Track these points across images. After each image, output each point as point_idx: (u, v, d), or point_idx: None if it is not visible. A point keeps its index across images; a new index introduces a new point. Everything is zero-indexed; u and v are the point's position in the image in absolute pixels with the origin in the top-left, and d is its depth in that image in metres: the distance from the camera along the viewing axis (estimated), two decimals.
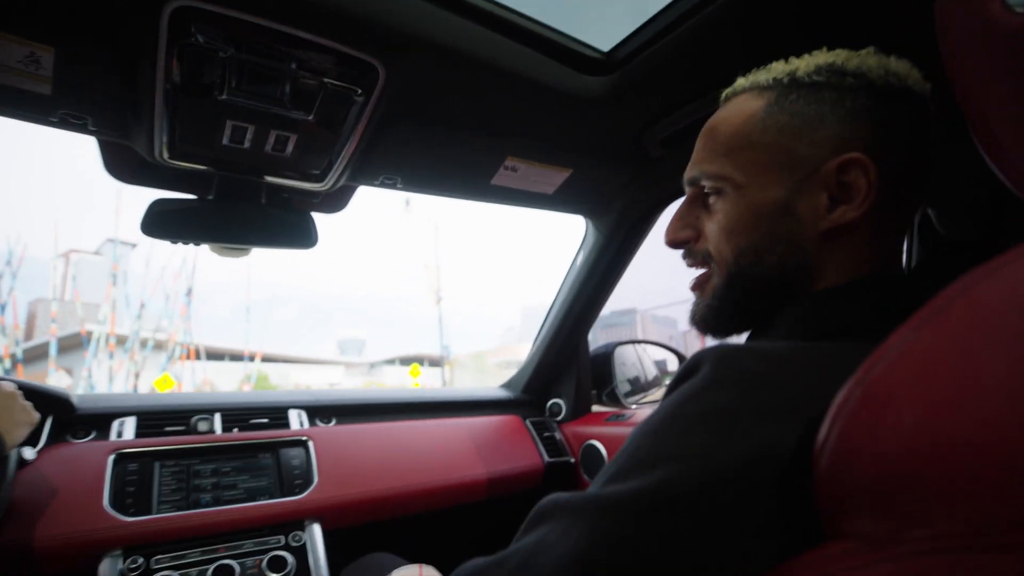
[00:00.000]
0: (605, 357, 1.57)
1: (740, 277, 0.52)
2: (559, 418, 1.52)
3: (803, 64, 0.51)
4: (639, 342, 1.66)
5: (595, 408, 1.57)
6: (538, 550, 0.37)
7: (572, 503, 0.38)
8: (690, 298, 0.60)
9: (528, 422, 1.45)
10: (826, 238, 0.49)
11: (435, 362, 58.09)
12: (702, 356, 0.42)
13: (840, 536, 0.32)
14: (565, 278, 1.43)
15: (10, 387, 0.78)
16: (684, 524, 0.34)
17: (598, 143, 1.03)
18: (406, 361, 57.19)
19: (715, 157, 0.53)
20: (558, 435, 1.45)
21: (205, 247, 1.00)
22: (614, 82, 0.87)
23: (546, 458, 1.35)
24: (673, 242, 0.58)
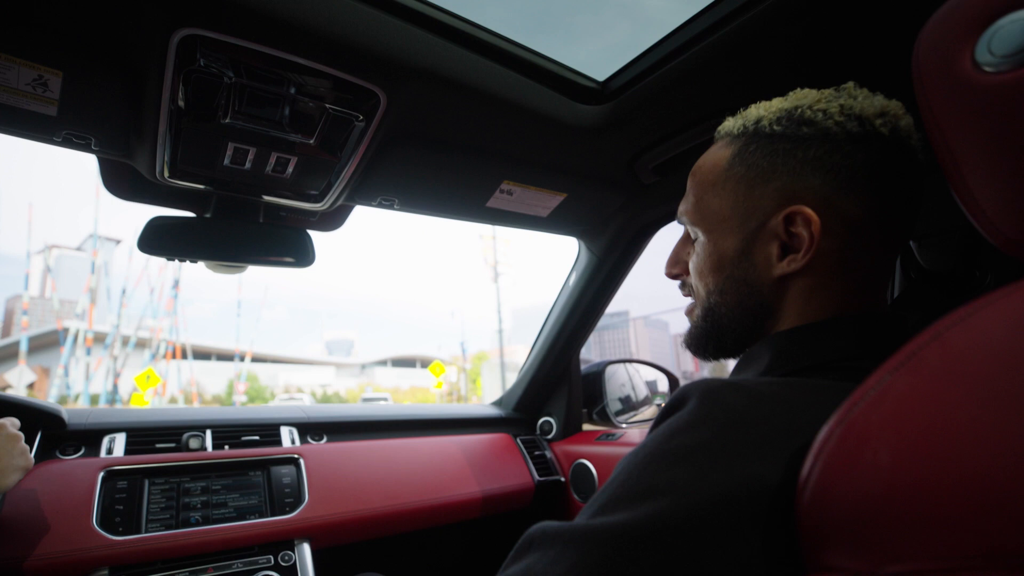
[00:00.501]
0: (596, 376, 1.58)
1: (711, 312, 0.57)
2: (550, 436, 1.52)
3: (770, 112, 0.53)
4: (630, 361, 1.67)
5: (586, 427, 1.58)
6: None
7: (561, 533, 0.39)
8: (681, 305, 0.67)
9: (519, 440, 1.45)
10: (781, 283, 0.52)
11: (428, 363, 56.96)
12: (688, 391, 0.43)
13: (820, 570, 0.33)
14: (557, 298, 1.44)
15: (12, 429, 0.77)
16: (670, 558, 0.35)
17: (592, 169, 1.05)
18: (398, 362, 56.12)
19: (691, 202, 0.59)
20: (548, 454, 1.46)
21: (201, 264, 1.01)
22: (608, 111, 0.90)
23: (536, 477, 1.36)
24: (668, 276, 0.65)
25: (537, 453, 1.44)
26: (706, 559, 0.35)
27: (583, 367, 1.59)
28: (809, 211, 0.48)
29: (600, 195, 1.14)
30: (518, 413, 1.57)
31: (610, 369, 1.61)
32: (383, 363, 58.01)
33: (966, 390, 0.29)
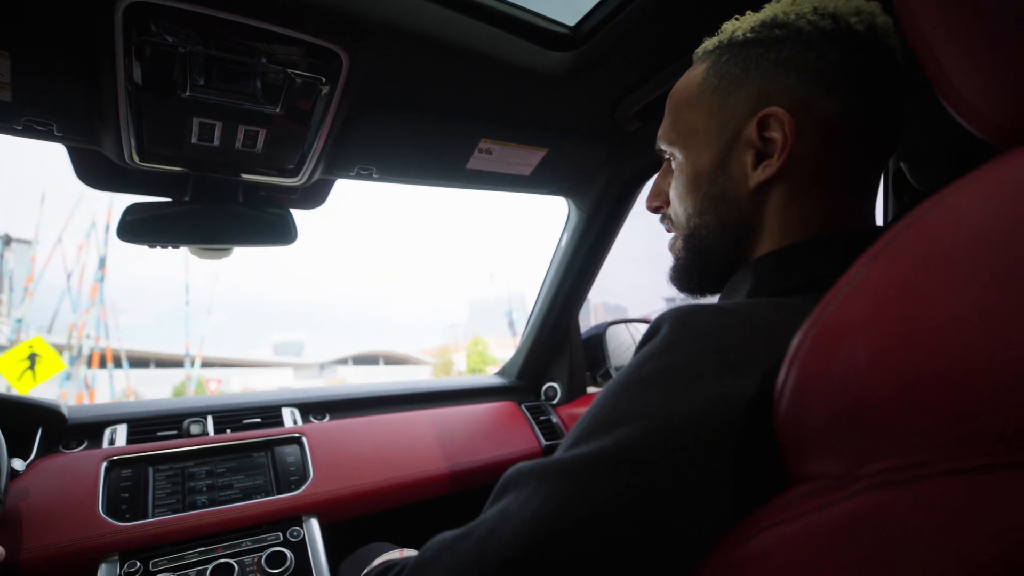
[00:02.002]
0: (598, 338, 1.57)
1: (692, 238, 0.55)
2: (555, 401, 1.52)
3: (744, 23, 0.51)
4: (631, 321, 1.65)
5: (590, 389, 1.57)
6: (503, 518, 0.37)
7: (536, 469, 0.38)
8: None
9: (523, 407, 1.45)
10: (758, 194, 0.50)
11: (392, 359, 55.27)
12: (662, 317, 0.42)
13: (802, 480, 0.32)
14: (551, 261, 1.43)
15: None
16: (645, 481, 0.34)
17: (571, 120, 1.03)
18: (361, 360, 53.79)
19: (667, 126, 0.57)
20: (554, 418, 1.46)
21: (185, 250, 1.00)
22: (582, 56, 0.86)
23: (543, 442, 1.36)
24: (649, 209, 0.63)
25: (543, 418, 1.44)
26: (682, 481, 0.34)
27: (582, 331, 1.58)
28: (781, 111, 0.46)
29: (583, 148, 1.11)
30: (522, 380, 1.57)
31: (611, 330, 1.60)
32: (344, 361, 55.41)
33: (944, 274, 0.27)
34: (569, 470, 0.36)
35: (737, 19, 0.52)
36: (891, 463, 0.27)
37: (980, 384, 0.24)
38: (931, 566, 0.24)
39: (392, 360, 55.49)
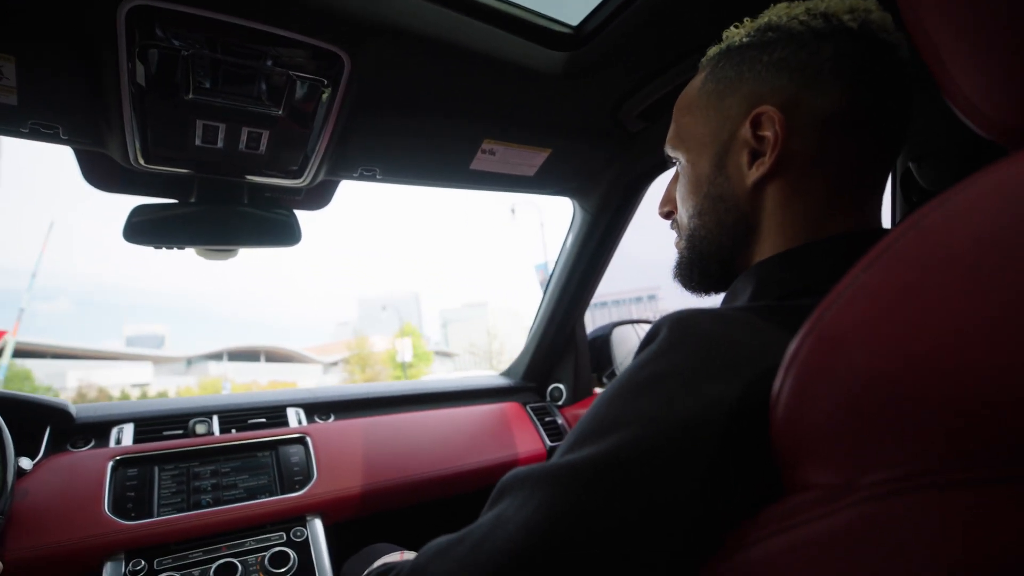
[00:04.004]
0: (603, 339, 1.56)
1: (694, 239, 0.56)
2: (560, 402, 1.51)
3: (742, 29, 0.52)
4: (637, 322, 1.65)
5: (596, 391, 1.56)
6: (497, 523, 0.37)
7: (531, 475, 0.38)
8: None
9: (529, 408, 1.45)
10: (755, 193, 0.50)
11: (275, 356, 48.73)
12: (662, 321, 0.41)
13: (799, 488, 0.31)
14: (556, 261, 1.42)
15: None
16: (638, 487, 0.33)
17: (574, 121, 1.02)
18: (237, 355, 47.44)
19: (672, 132, 0.58)
20: (559, 419, 1.45)
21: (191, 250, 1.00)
22: (584, 56, 0.86)
23: (548, 443, 1.35)
24: (661, 215, 0.64)
25: (548, 419, 1.43)
26: (675, 486, 0.33)
27: (588, 333, 1.58)
28: (772, 109, 0.47)
29: (587, 148, 1.10)
30: (527, 381, 1.57)
31: (617, 331, 1.59)
32: (217, 356, 47.00)
33: (943, 280, 0.26)
34: (563, 476, 0.36)
35: (737, 26, 0.53)
36: (889, 474, 0.27)
37: (980, 396, 0.24)
38: None
39: (275, 357, 49.02)
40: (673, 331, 0.39)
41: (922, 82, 0.53)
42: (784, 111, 0.47)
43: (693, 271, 0.57)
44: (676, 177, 0.61)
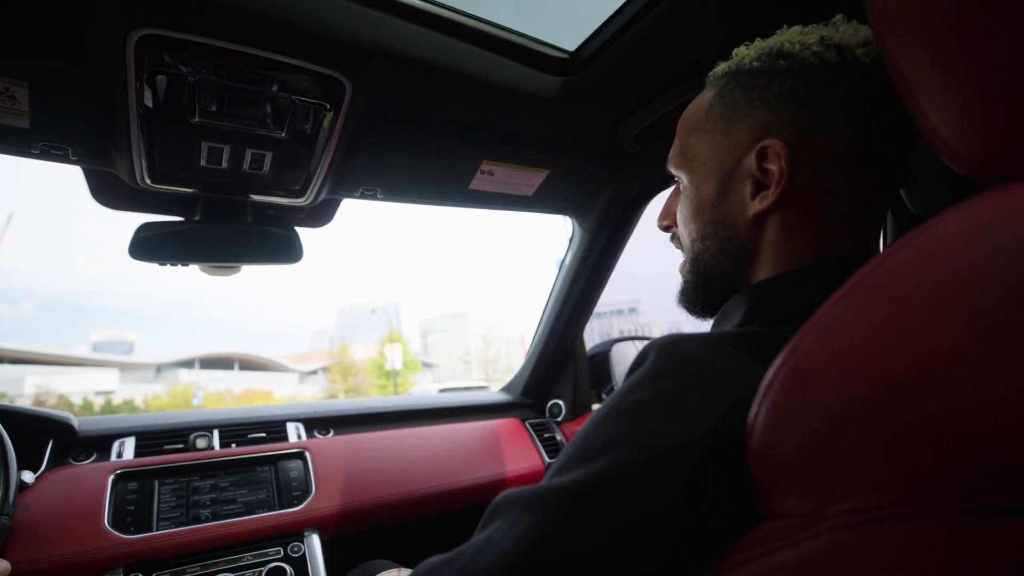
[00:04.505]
0: (603, 356, 1.57)
1: (697, 262, 0.55)
2: (559, 419, 1.52)
3: (752, 50, 0.51)
4: (637, 338, 1.65)
5: (595, 407, 1.57)
6: (487, 544, 0.38)
7: (521, 497, 0.39)
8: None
9: (527, 424, 1.45)
10: (756, 224, 0.50)
11: (250, 364, 46.42)
12: (649, 347, 0.42)
13: (773, 516, 0.32)
14: (556, 279, 1.43)
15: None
16: (623, 512, 0.34)
17: (572, 142, 1.04)
18: (211, 362, 45.26)
19: (676, 149, 0.57)
20: (558, 436, 1.45)
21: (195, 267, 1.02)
22: (582, 81, 0.88)
23: (546, 459, 1.35)
24: (660, 228, 0.64)
25: (547, 436, 1.44)
26: (660, 512, 0.34)
27: (588, 348, 1.58)
28: (779, 144, 0.46)
29: (584, 169, 1.12)
30: (526, 397, 1.57)
31: (617, 348, 1.59)
32: (188, 364, 44.94)
33: (909, 318, 0.27)
34: (550, 499, 0.36)
35: (747, 45, 0.52)
36: (855, 504, 0.27)
37: (941, 431, 0.24)
38: None
39: (250, 365, 47.14)
40: (660, 357, 0.40)
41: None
42: (791, 146, 0.46)
43: (697, 297, 0.57)
44: (676, 192, 0.61)
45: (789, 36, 0.49)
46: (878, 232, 0.51)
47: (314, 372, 47.11)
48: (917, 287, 0.28)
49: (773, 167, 0.47)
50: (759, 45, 0.51)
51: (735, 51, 0.54)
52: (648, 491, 0.34)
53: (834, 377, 0.29)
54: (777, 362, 0.32)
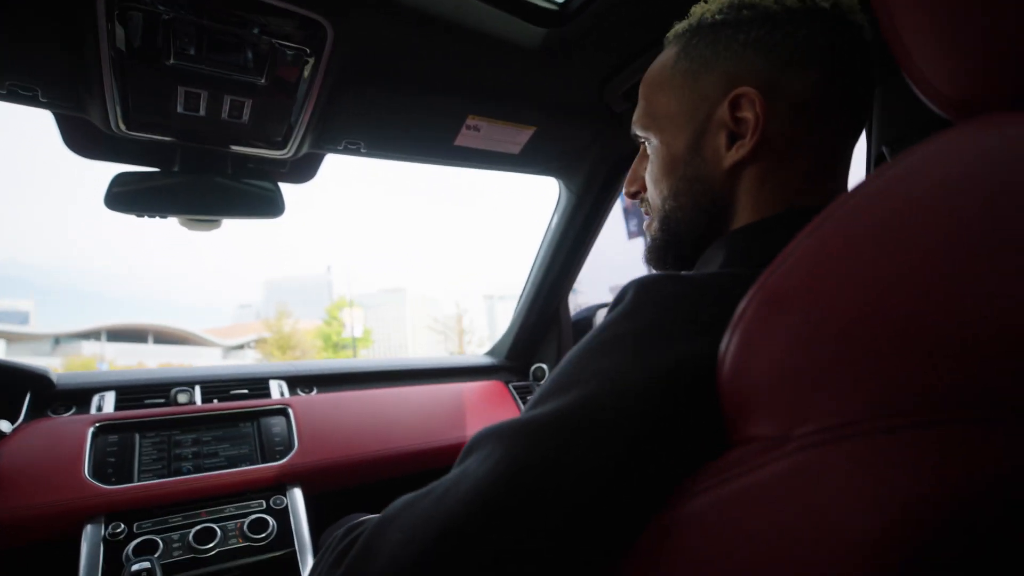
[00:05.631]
0: (587, 321, 1.58)
1: (667, 220, 0.55)
2: (542, 382, 1.53)
3: (712, 5, 0.51)
4: None
5: None
6: (461, 477, 0.38)
7: (497, 430, 0.39)
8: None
9: (511, 386, 1.46)
10: (732, 174, 0.50)
11: (167, 337, 43.02)
12: (628, 285, 0.42)
13: (741, 442, 0.32)
14: (541, 241, 1.43)
15: None
16: (597, 440, 0.35)
17: (559, 98, 1.02)
18: (119, 334, 41.33)
19: (641, 110, 0.57)
20: None
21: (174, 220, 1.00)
22: (570, 33, 0.86)
23: None
24: (627, 195, 0.63)
25: (530, 398, 1.45)
26: (633, 441, 0.34)
27: (573, 313, 1.59)
28: (752, 91, 0.47)
29: (571, 127, 1.11)
30: (511, 361, 1.58)
31: (601, 312, 1.61)
32: (94, 335, 40.53)
33: (873, 244, 0.28)
34: (523, 431, 0.37)
35: (706, 2, 0.53)
36: (821, 424, 0.28)
37: (901, 349, 0.25)
38: (858, 523, 0.25)
39: (167, 338, 43.24)
40: (638, 294, 0.41)
41: (892, 66, 0.54)
42: (763, 93, 0.47)
43: (668, 254, 0.57)
44: (642, 155, 0.61)
45: None
46: (846, 179, 0.52)
47: (240, 347, 44.49)
48: (883, 214, 0.28)
49: (748, 115, 0.48)
50: (718, 0, 0.52)
51: (693, 8, 0.54)
52: (622, 420, 0.35)
53: (802, 302, 0.30)
54: (749, 293, 0.33)
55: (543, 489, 0.35)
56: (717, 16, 0.50)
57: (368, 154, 1.05)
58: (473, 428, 1.27)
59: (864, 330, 0.27)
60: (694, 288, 0.40)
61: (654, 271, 0.60)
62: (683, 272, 0.43)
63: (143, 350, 41.01)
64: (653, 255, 0.59)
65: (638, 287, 0.41)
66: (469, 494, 0.36)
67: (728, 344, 0.33)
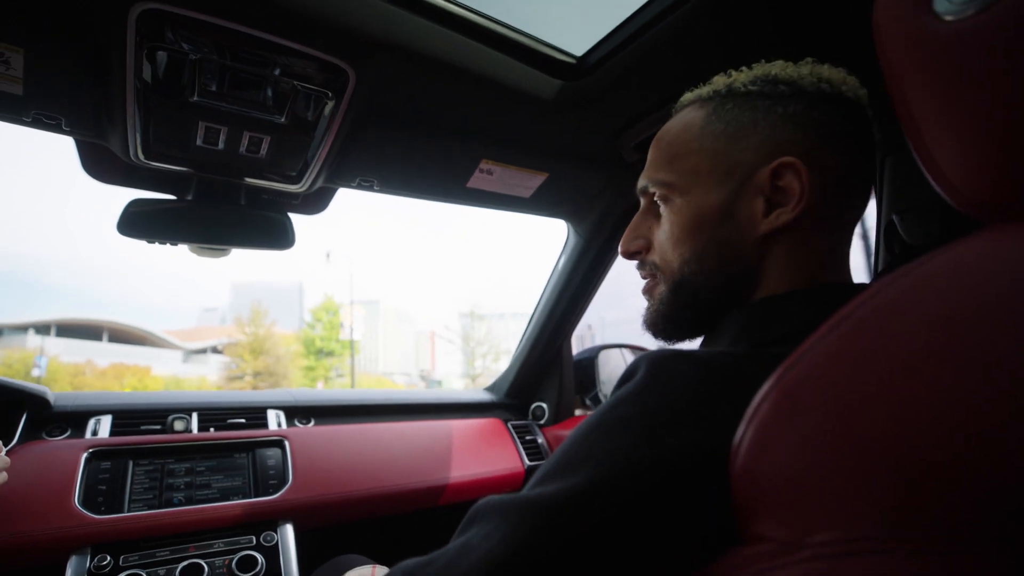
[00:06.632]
0: (589, 361, 1.57)
1: (685, 284, 0.53)
2: (542, 421, 1.52)
3: (741, 76, 0.53)
4: (625, 346, 1.66)
5: (578, 412, 1.57)
6: (463, 551, 0.37)
7: (501, 505, 0.38)
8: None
9: (509, 425, 1.45)
10: (765, 242, 0.50)
11: (123, 336, 40.80)
12: (639, 361, 0.42)
13: (754, 540, 0.32)
14: (547, 282, 1.43)
15: None
16: (602, 526, 0.34)
17: (572, 147, 1.04)
18: (71, 329, 39.00)
19: (660, 165, 0.55)
20: (540, 439, 1.45)
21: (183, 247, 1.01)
22: (586, 87, 0.88)
23: (526, 462, 1.35)
24: (626, 253, 0.60)
25: (528, 438, 1.44)
26: (638, 527, 0.34)
27: (575, 353, 1.58)
28: (799, 162, 0.48)
29: (583, 175, 1.12)
30: (510, 398, 1.57)
31: (604, 354, 1.60)
32: (42, 329, 37.64)
33: (898, 351, 0.28)
34: (528, 510, 0.36)
35: (728, 74, 0.54)
36: (833, 535, 0.27)
37: (923, 467, 0.25)
38: None
39: (123, 337, 40.76)
40: (650, 372, 0.40)
41: (900, 139, 0.55)
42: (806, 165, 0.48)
43: (681, 321, 0.54)
44: (647, 211, 0.58)
45: (780, 67, 0.52)
46: (848, 256, 0.53)
47: (203, 351, 42.58)
48: (907, 322, 0.28)
49: (793, 184, 0.48)
50: (747, 74, 0.53)
51: (715, 79, 0.55)
52: (628, 506, 0.34)
53: (820, 405, 0.29)
54: (766, 386, 0.32)
55: (544, 570, 0.34)
56: (751, 87, 0.51)
57: (381, 191, 1.06)
58: (469, 468, 1.25)
59: (883, 443, 0.26)
60: (708, 372, 0.39)
61: (654, 337, 0.59)
62: (696, 351, 0.43)
63: (96, 347, 38.69)
64: (658, 322, 0.56)
65: (650, 365, 0.41)
66: (473, 571, 0.35)
67: (742, 438, 0.32)
